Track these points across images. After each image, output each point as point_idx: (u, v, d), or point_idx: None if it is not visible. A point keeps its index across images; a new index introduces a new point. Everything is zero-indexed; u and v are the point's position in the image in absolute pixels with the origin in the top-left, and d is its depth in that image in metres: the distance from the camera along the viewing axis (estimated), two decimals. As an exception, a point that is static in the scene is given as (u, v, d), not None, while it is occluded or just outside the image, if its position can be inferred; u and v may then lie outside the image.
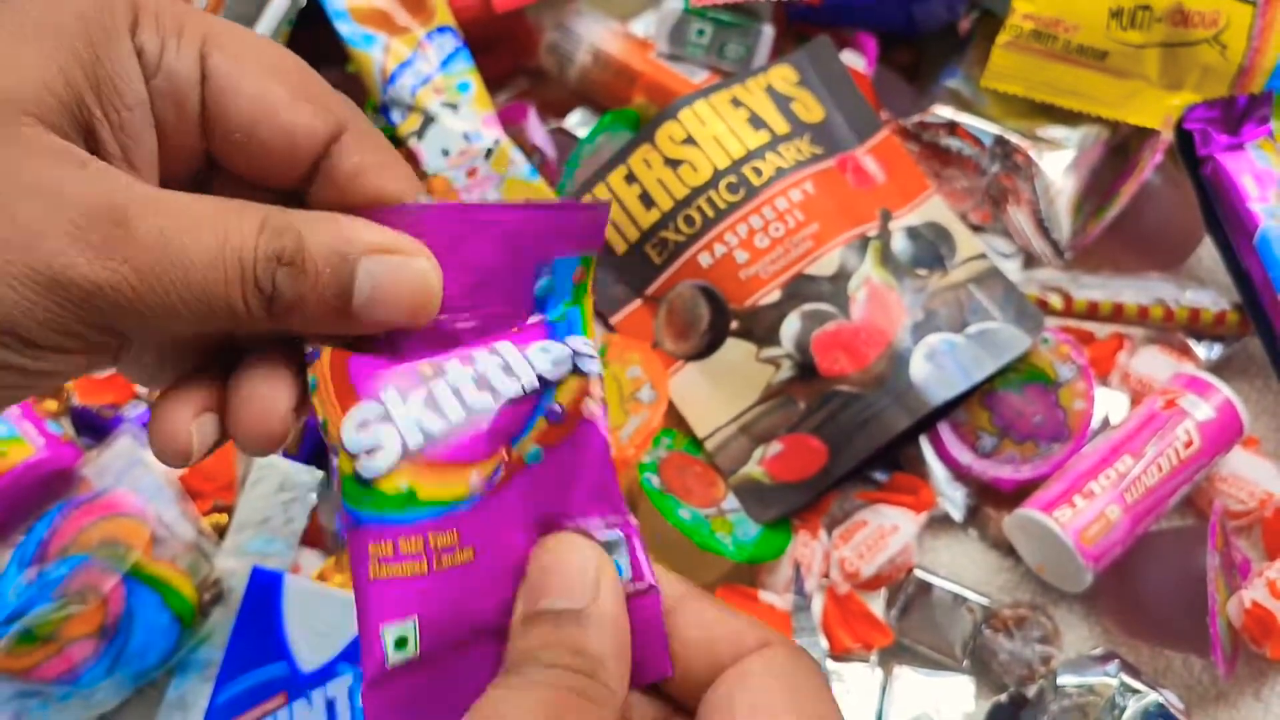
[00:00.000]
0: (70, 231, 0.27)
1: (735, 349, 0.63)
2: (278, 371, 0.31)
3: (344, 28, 0.68)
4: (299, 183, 0.32)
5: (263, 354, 0.32)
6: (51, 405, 0.68)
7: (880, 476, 0.64)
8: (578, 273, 0.32)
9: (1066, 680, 0.57)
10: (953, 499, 0.64)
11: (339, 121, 0.32)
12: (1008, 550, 0.64)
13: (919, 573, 0.62)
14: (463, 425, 0.30)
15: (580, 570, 0.30)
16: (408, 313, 0.30)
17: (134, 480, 0.62)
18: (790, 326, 0.62)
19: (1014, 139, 0.68)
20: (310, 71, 0.32)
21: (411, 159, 0.69)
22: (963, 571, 0.64)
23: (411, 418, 0.30)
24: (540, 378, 0.31)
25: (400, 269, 0.30)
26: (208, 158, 0.32)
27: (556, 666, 0.28)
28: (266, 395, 0.31)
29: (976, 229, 0.70)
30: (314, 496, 0.63)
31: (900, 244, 0.64)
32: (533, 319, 0.32)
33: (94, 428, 0.67)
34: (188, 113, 0.31)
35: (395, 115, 0.68)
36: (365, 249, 0.30)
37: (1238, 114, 0.66)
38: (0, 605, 0.59)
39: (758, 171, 0.64)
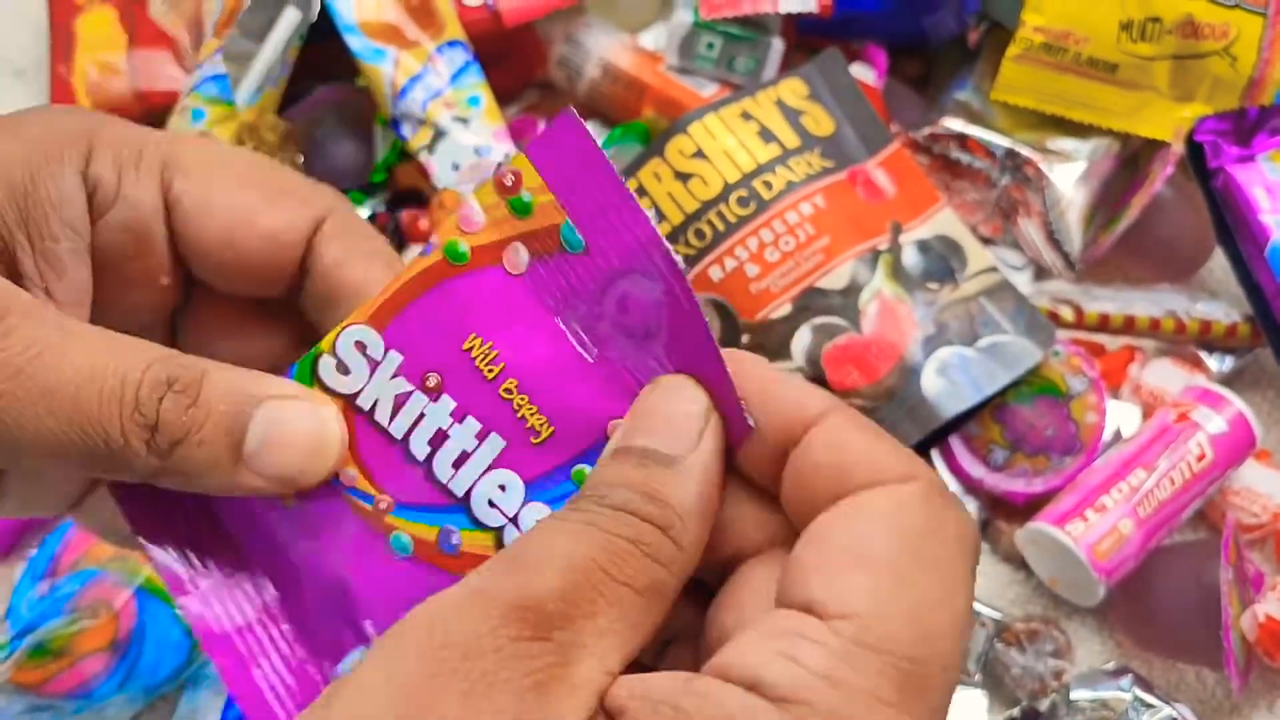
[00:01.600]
0: None
1: (746, 362, 0.63)
2: None
3: (354, 42, 0.69)
4: (289, 289, 0.31)
5: None
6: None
7: (891, 490, 0.64)
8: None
9: (1079, 694, 0.57)
10: (964, 512, 0.64)
11: (320, 211, 0.31)
12: (1020, 564, 0.64)
13: (931, 586, 0.62)
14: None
15: (686, 416, 0.26)
16: (300, 461, 0.28)
17: (146, 494, 0.63)
18: (801, 340, 0.62)
19: (1024, 151, 0.68)
20: (281, 168, 0.31)
21: (422, 173, 0.69)
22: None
23: None
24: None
25: (301, 413, 0.28)
26: (186, 288, 0.31)
27: (625, 511, 0.24)
28: None
29: (987, 241, 0.70)
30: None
31: (911, 257, 0.64)
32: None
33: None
34: (153, 241, 0.30)
35: (406, 129, 0.68)
36: (271, 395, 0.28)
37: (1249, 126, 0.66)
38: (13, 619, 0.59)
39: (768, 185, 0.64)
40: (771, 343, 0.63)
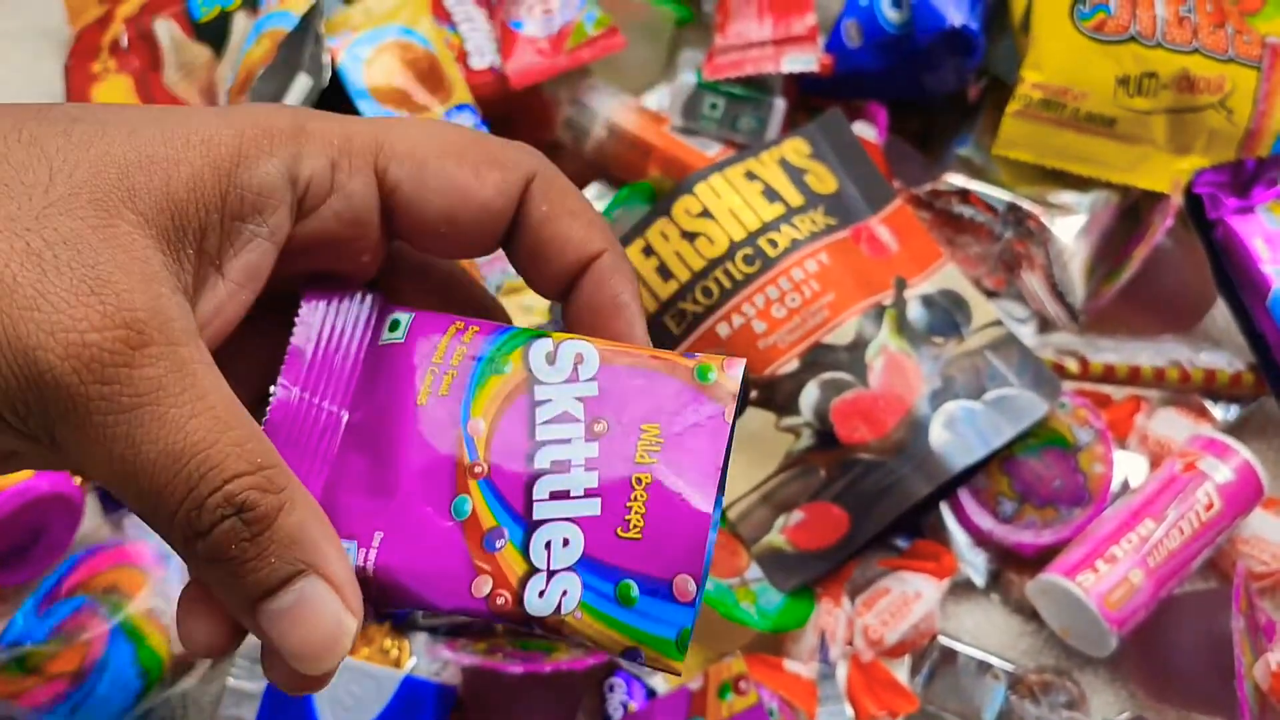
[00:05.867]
0: (73, 328, 0.25)
1: (755, 418, 0.64)
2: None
3: (365, 106, 0.70)
4: (498, 244, 0.33)
5: None
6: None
7: (902, 543, 0.65)
8: None
9: (1094, 747, 0.57)
10: (974, 564, 0.64)
11: (525, 174, 0.32)
12: (1031, 615, 0.64)
13: (943, 639, 0.62)
14: None
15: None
16: (299, 651, 0.27)
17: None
18: (809, 395, 0.63)
19: (1026, 205, 0.69)
20: (483, 136, 0.33)
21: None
22: (986, 637, 0.64)
23: None
24: None
25: (330, 608, 0.28)
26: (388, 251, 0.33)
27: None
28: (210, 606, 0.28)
29: (991, 295, 0.71)
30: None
31: (916, 312, 0.65)
32: None
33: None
34: (367, 227, 0.31)
35: (416, 192, 0.69)
36: (321, 571, 0.28)
37: (1246, 177, 0.67)
38: (8, 633, 0.60)
39: (773, 243, 0.65)
40: (779, 398, 0.63)
